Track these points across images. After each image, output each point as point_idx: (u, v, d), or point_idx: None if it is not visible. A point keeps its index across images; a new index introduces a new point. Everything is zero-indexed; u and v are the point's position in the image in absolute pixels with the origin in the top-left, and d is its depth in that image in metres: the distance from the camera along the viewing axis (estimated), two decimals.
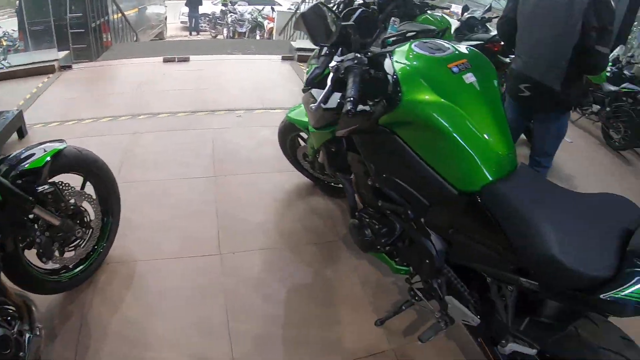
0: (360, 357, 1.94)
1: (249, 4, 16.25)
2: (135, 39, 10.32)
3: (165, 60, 5.63)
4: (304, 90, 2.07)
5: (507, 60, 4.07)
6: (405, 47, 1.65)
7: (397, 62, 1.59)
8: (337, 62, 1.58)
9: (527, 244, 1.32)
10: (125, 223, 2.37)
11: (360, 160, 1.81)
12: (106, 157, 2.37)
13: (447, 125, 1.43)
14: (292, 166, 2.97)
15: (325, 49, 1.84)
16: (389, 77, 1.55)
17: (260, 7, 15.25)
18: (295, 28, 1.99)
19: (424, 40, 1.69)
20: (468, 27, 5.26)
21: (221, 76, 5.17)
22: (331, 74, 1.58)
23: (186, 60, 5.67)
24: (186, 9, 16.22)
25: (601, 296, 1.15)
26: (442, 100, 1.45)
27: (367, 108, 1.63)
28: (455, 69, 1.52)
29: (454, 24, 5.37)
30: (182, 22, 16.97)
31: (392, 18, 3.78)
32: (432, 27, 3.68)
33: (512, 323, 1.48)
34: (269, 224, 2.63)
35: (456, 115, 1.45)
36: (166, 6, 15.29)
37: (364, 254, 2.07)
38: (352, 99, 1.43)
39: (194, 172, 3.05)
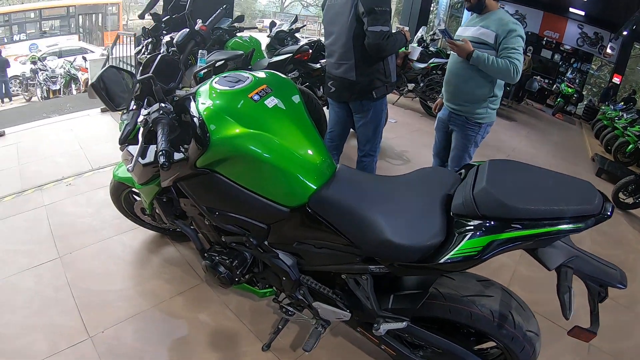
0: None
1: (59, 57, 15.15)
2: None
3: None
4: (121, 149, 2.04)
5: (318, 66, 4.34)
6: (207, 85, 1.71)
7: (201, 103, 1.63)
8: (144, 115, 1.59)
9: (362, 236, 1.46)
10: None
11: (193, 203, 1.84)
12: None
13: (260, 153, 1.52)
14: (135, 223, 2.91)
15: (132, 103, 1.84)
16: (196, 119, 1.58)
17: (71, 59, 14.25)
18: (90, 97, 1.87)
19: (224, 75, 1.75)
20: (279, 41, 5.48)
21: (42, 144, 4.80)
22: (141, 129, 1.59)
23: (1, 134, 5.15)
24: None
25: (440, 261, 1.31)
26: (250, 130, 1.53)
27: (182, 155, 1.66)
28: (256, 97, 1.62)
29: (265, 40, 5.56)
30: None
31: (200, 51, 3.83)
32: (240, 52, 3.83)
33: (377, 306, 1.61)
34: (129, 289, 2.54)
35: (266, 140, 1.54)
36: None
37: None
38: (163, 152, 1.44)
39: (38, 259, 2.80)
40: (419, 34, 7.64)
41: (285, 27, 5.71)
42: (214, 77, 1.76)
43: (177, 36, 2.26)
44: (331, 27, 2.90)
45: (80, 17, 21.03)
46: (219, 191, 1.67)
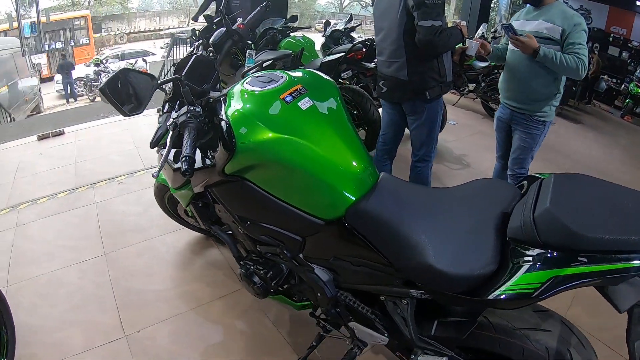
0: None
1: (119, 60, 15.92)
2: (9, 119, 9.61)
3: (40, 138, 5.27)
4: (157, 152, 2.00)
5: (372, 65, 4.18)
6: (238, 86, 1.61)
7: (230, 105, 1.54)
8: (173, 118, 1.51)
9: (401, 257, 1.30)
10: (27, 329, 2.27)
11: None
12: None
13: (291, 160, 1.41)
14: (180, 224, 2.89)
15: (166, 105, 1.77)
16: (224, 123, 1.49)
17: (132, 61, 14.87)
18: (103, 101, 1.81)
19: (257, 75, 1.65)
20: (333, 41, 5.37)
21: (98, 143, 4.95)
22: (170, 132, 1.52)
23: (61, 133, 5.35)
24: (59, 76, 15.54)
25: (489, 297, 1.13)
26: (278, 135, 1.41)
27: (208, 161, 1.58)
28: (288, 98, 1.49)
29: (321, 40, 5.46)
30: (57, 91, 16.22)
31: (248, 51, 3.78)
32: (288, 52, 3.72)
33: (416, 334, 1.43)
34: (168, 290, 2.53)
35: (297, 146, 1.41)
36: (38, 77, 14.42)
37: None
38: (186, 157, 1.36)
39: (84, 255, 2.88)
40: (479, 32, 7.28)
41: (340, 27, 5.59)
42: (246, 77, 1.66)
43: (214, 36, 2.15)
44: (381, 22, 2.74)
45: (47, 34, 20.78)
46: (249, 199, 1.57)
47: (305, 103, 1.50)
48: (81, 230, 3.16)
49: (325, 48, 5.33)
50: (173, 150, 1.64)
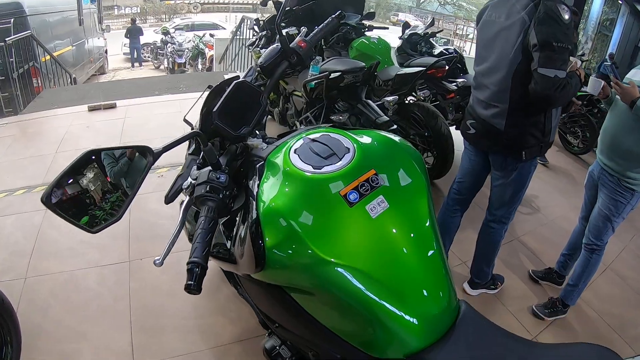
0: None
1: (187, 30, 16.03)
2: (69, 80, 9.66)
3: (91, 109, 5.16)
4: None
5: (453, 87, 3.67)
6: (282, 153, 1.11)
7: (264, 185, 1.07)
8: (192, 178, 1.10)
9: None
10: (36, 330, 2.15)
11: None
12: (18, 243, 2.81)
13: (339, 291, 0.96)
14: None
15: (192, 145, 1.43)
16: (253, 213, 1.02)
17: (200, 34, 14.77)
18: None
19: (313, 135, 1.14)
20: (411, 45, 4.86)
21: (147, 124, 4.75)
22: (185, 200, 1.11)
23: (112, 106, 5.21)
24: (127, 40, 15.76)
25: None
26: (327, 258, 0.94)
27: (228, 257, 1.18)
28: (352, 196, 0.99)
29: (396, 42, 5.01)
30: (124, 54, 16.49)
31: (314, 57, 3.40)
32: (360, 64, 3.18)
33: None
34: (188, 320, 2.27)
35: (353, 276, 0.95)
36: (105, 38, 14.58)
37: None
38: (193, 264, 0.94)
39: (107, 258, 2.67)
40: None
41: (419, 30, 5.10)
42: (297, 135, 1.17)
43: (265, 54, 1.58)
44: (486, 51, 2.19)
45: None
46: (282, 308, 1.15)
47: (377, 206, 1.00)
48: (109, 228, 2.92)
49: (401, 52, 4.80)
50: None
